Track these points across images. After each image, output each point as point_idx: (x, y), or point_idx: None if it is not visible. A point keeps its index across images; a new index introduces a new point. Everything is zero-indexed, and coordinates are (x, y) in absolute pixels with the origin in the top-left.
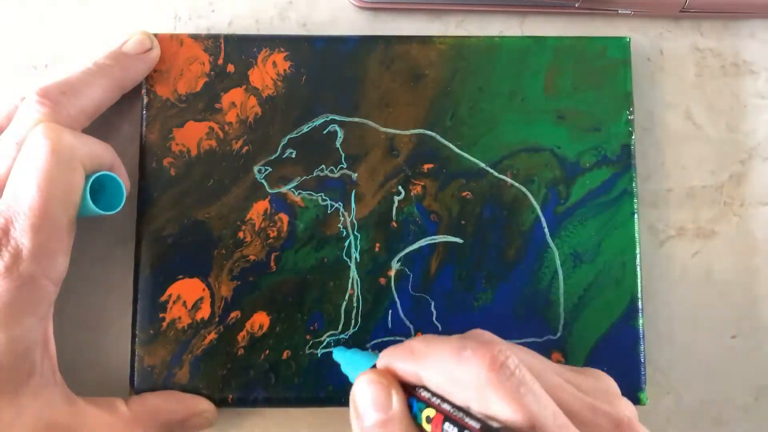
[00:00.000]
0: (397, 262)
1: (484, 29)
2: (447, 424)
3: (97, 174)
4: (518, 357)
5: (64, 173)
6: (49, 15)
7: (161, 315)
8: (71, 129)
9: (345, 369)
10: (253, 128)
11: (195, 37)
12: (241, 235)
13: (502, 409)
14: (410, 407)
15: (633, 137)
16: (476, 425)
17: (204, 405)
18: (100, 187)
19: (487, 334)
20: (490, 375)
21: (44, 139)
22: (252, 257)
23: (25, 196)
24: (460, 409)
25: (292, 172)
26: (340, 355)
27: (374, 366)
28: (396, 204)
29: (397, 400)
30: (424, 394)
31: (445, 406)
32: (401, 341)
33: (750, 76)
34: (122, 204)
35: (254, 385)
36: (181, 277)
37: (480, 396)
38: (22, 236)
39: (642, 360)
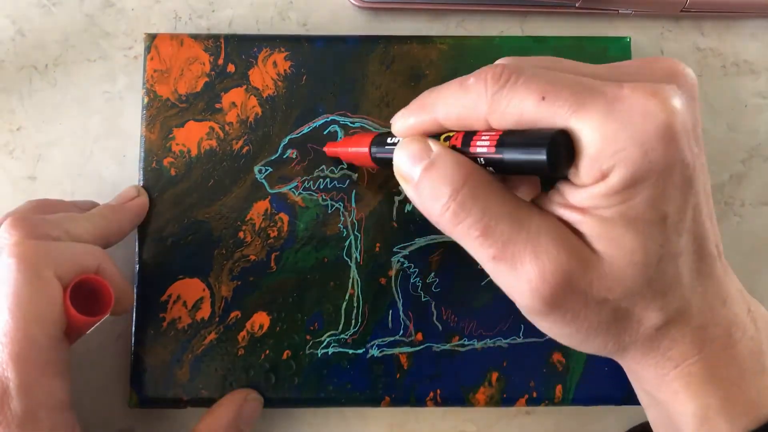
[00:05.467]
0: (398, 262)
1: (484, 29)
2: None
3: (76, 281)
4: (529, 65)
5: (36, 290)
6: (50, 15)
7: (161, 315)
8: (43, 240)
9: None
10: (254, 128)
11: (195, 37)
12: (241, 235)
13: (518, 104)
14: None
15: None
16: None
17: (243, 392)
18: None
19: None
20: (494, 88)
21: (8, 258)
22: (252, 257)
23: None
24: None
25: (292, 172)
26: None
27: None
28: (396, 204)
29: (433, 144)
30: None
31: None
32: (402, 341)
33: (751, 75)
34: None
35: (254, 385)
36: (181, 277)
37: (493, 107)
38: (4, 370)
39: None
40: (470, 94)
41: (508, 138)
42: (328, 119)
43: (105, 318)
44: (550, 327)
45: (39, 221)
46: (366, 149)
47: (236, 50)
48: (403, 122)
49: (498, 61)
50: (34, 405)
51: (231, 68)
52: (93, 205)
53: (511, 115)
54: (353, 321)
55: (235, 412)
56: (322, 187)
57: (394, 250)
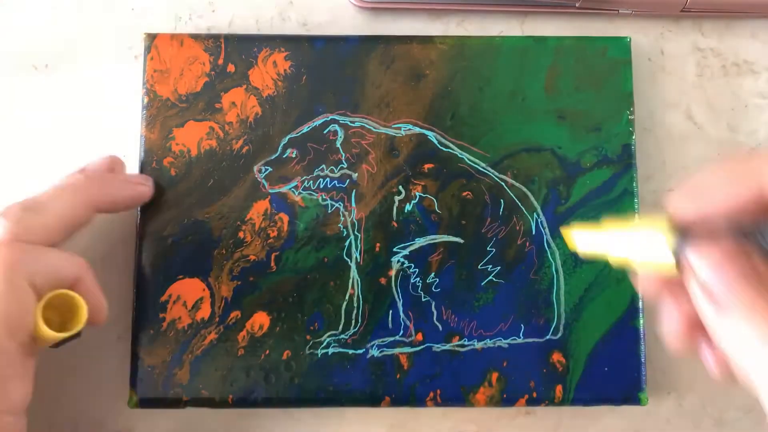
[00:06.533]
0: (398, 262)
1: (484, 29)
2: None
3: (50, 295)
4: None
5: (7, 297)
6: (50, 15)
7: (161, 315)
8: (29, 244)
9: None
10: (254, 128)
11: (195, 37)
12: (241, 235)
13: None
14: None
15: (634, 137)
16: None
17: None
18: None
19: None
20: None
21: None
22: (252, 257)
23: None
24: None
25: (292, 172)
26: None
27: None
28: (396, 204)
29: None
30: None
31: None
32: (402, 341)
33: (751, 75)
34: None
35: (254, 385)
36: (181, 277)
37: None
38: None
39: (642, 360)
40: (749, 174)
41: None
42: (328, 119)
43: (75, 333)
44: None
45: (20, 210)
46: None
47: (236, 50)
48: (683, 210)
49: None
50: None
51: (231, 68)
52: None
53: None
54: (353, 321)
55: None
56: (322, 186)
57: (394, 250)
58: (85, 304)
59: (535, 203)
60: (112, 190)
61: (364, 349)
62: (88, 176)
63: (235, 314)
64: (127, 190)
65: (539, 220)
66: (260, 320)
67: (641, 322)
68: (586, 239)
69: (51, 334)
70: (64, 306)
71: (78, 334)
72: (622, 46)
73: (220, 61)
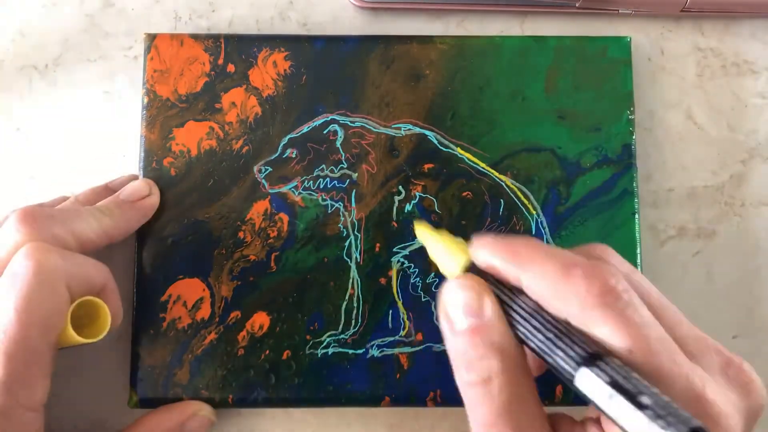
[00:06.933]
0: (398, 262)
1: (484, 29)
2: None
3: (79, 300)
4: (627, 276)
5: (46, 297)
6: (50, 15)
7: (161, 315)
8: (59, 248)
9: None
10: (254, 128)
11: (195, 37)
12: (241, 235)
13: (604, 332)
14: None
15: (634, 137)
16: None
17: (195, 406)
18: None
19: (599, 248)
20: (597, 300)
21: (26, 260)
22: (252, 257)
23: (0, 320)
24: (558, 321)
25: (292, 172)
26: (424, 236)
27: (466, 259)
28: (396, 204)
29: (490, 306)
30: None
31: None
32: (402, 341)
33: (751, 75)
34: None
35: (254, 385)
36: (181, 277)
37: (583, 314)
38: None
39: None
40: (570, 286)
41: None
42: (328, 119)
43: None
44: None
45: (46, 218)
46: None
47: (236, 50)
48: (486, 257)
49: (612, 266)
50: (13, 403)
51: (231, 68)
52: (128, 180)
53: (598, 331)
54: (353, 321)
55: (179, 422)
56: (322, 186)
57: (394, 250)
58: (109, 312)
59: (535, 203)
60: (130, 225)
61: (364, 349)
62: (111, 210)
63: (235, 314)
64: (141, 213)
65: (539, 220)
66: (260, 320)
67: None
68: (422, 235)
69: (77, 339)
70: (82, 310)
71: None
72: (622, 46)
73: (220, 61)
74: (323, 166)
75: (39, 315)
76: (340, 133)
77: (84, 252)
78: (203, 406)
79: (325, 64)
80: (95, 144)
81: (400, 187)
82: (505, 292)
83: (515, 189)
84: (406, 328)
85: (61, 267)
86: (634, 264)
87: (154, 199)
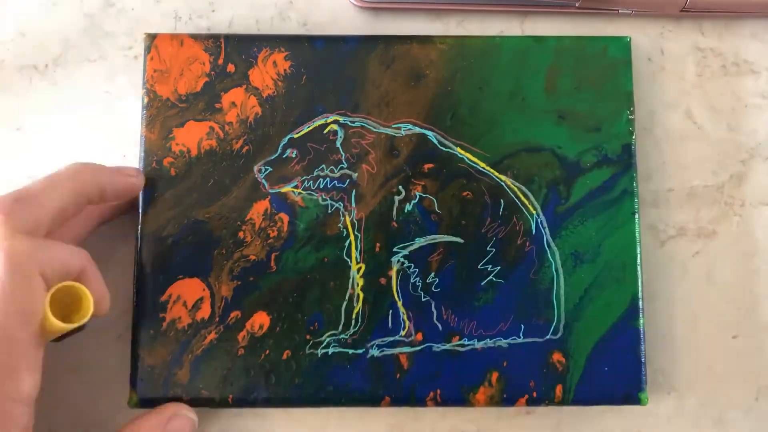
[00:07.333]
0: (398, 262)
1: (484, 29)
2: None
3: (58, 286)
4: None
5: (20, 285)
6: (50, 15)
7: (161, 315)
8: (30, 235)
9: None
10: (254, 128)
11: (195, 37)
12: (241, 235)
13: None
14: None
15: (634, 137)
16: None
17: (174, 407)
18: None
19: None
20: None
21: None
22: (252, 257)
23: None
24: None
25: (292, 172)
26: None
27: None
28: (396, 204)
29: None
30: None
31: None
32: (402, 341)
33: (751, 75)
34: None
35: (254, 385)
36: (181, 277)
37: None
38: None
39: (642, 360)
40: None
41: None
42: (328, 119)
43: (82, 324)
44: None
45: (12, 202)
46: None
47: (236, 50)
48: None
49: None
50: (1, 396)
51: (231, 68)
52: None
53: None
54: (353, 321)
55: (159, 424)
56: (322, 186)
57: (394, 250)
58: (91, 295)
59: (535, 203)
60: (102, 178)
61: (364, 349)
62: (78, 165)
63: (235, 314)
64: (117, 179)
65: (539, 220)
66: (260, 320)
67: (641, 322)
68: None
69: (59, 325)
70: (68, 298)
71: (83, 326)
72: (622, 45)
73: (220, 61)
74: (323, 166)
75: (15, 304)
76: (340, 133)
77: (66, 218)
78: (182, 407)
79: (325, 64)
80: (95, 144)
81: (400, 187)
82: None
83: (515, 189)
84: (406, 328)
85: (33, 254)
86: (634, 264)
87: (140, 180)
